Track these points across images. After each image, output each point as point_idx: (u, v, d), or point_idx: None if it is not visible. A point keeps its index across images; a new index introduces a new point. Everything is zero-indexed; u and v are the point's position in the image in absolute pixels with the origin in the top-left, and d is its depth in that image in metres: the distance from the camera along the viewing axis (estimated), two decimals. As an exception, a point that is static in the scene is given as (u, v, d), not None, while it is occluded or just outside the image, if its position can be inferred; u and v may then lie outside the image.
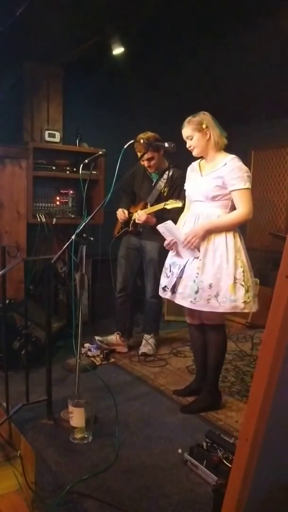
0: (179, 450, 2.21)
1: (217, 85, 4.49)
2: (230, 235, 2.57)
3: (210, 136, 2.61)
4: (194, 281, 2.56)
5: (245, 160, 5.81)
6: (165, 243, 2.73)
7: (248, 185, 2.56)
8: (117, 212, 3.73)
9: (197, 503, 1.90)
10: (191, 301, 2.58)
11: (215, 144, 2.62)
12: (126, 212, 3.70)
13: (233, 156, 2.61)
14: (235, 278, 2.52)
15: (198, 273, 2.56)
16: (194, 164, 2.81)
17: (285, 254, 1.12)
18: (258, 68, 3.98)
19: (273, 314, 1.11)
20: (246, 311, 2.58)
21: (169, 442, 2.37)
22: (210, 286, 2.53)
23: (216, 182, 2.57)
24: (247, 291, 2.53)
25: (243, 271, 2.54)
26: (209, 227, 2.56)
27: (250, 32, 3.46)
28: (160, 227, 2.70)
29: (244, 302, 2.52)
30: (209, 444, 2.12)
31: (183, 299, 2.63)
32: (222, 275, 2.53)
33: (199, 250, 2.58)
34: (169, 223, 2.67)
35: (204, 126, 2.59)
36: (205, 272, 2.56)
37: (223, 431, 2.39)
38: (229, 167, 2.55)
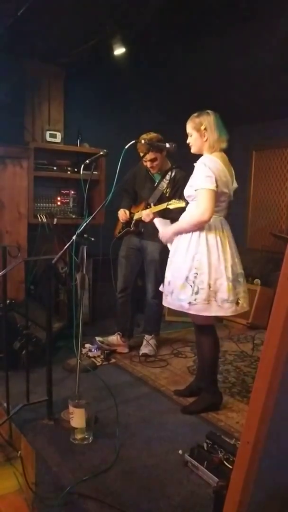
0: (180, 451, 2.21)
1: (218, 85, 4.48)
2: (195, 236, 2.57)
3: (207, 138, 2.61)
4: (167, 278, 2.73)
5: (246, 161, 5.86)
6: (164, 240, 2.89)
7: (207, 185, 2.48)
8: (119, 212, 3.73)
9: (197, 505, 1.90)
10: (165, 299, 2.74)
11: (210, 146, 2.62)
12: (127, 212, 3.70)
13: (204, 156, 2.60)
14: (186, 278, 2.55)
15: (168, 271, 2.73)
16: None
17: (287, 255, 1.12)
18: (259, 68, 3.97)
19: (275, 316, 1.11)
20: (191, 312, 2.56)
21: (170, 443, 2.37)
22: (169, 283, 2.66)
23: (189, 182, 2.63)
24: (196, 293, 2.51)
25: (196, 273, 2.52)
26: (173, 230, 2.72)
27: (251, 32, 3.46)
28: (157, 220, 2.94)
29: (189, 303, 2.52)
30: (209, 445, 2.12)
31: (165, 299, 2.78)
32: (177, 274, 2.60)
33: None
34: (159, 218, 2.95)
35: (202, 127, 2.59)
36: (169, 269, 2.71)
37: (223, 432, 2.39)
38: (196, 166, 2.58)
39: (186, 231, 2.61)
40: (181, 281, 2.56)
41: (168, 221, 2.93)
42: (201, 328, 2.75)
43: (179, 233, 2.67)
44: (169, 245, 2.84)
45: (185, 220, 2.64)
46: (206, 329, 2.74)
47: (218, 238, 2.57)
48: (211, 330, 2.75)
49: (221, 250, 2.56)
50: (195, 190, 2.54)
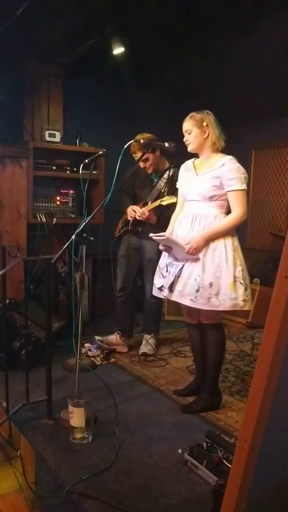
0: (179, 450, 2.21)
1: (218, 85, 4.48)
2: (228, 235, 2.60)
3: (208, 135, 2.62)
4: (196, 280, 2.56)
5: (246, 160, 5.86)
6: (160, 247, 2.77)
7: (244, 186, 2.56)
8: (127, 210, 3.67)
9: (197, 504, 1.90)
10: (191, 299, 2.57)
11: (212, 144, 2.63)
12: (135, 207, 3.62)
13: (230, 157, 2.61)
14: (234, 277, 2.53)
15: (199, 272, 2.57)
16: (189, 163, 2.82)
17: (284, 254, 1.12)
18: (259, 68, 3.97)
19: (272, 314, 1.11)
20: (245, 309, 2.59)
21: (169, 442, 2.37)
22: (211, 284, 2.54)
23: (213, 182, 2.58)
24: (245, 289, 2.56)
25: (241, 270, 2.57)
26: (207, 237, 2.57)
27: (251, 32, 3.46)
28: (154, 237, 2.66)
29: (244, 300, 2.55)
30: (209, 444, 2.12)
31: (182, 297, 2.62)
32: (222, 274, 2.54)
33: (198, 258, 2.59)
34: (167, 236, 2.64)
35: (204, 124, 2.61)
36: (206, 271, 2.56)
37: (223, 431, 2.39)
38: (227, 167, 2.56)
39: (224, 234, 2.58)
40: (229, 280, 2.52)
41: (165, 234, 2.67)
42: (213, 326, 2.71)
43: (214, 238, 2.57)
44: (181, 255, 2.63)
45: (224, 223, 2.58)
46: (218, 326, 2.74)
47: (237, 236, 2.66)
48: (221, 327, 2.78)
49: (240, 247, 2.66)
50: (232, 190, 2.55)
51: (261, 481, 1.23)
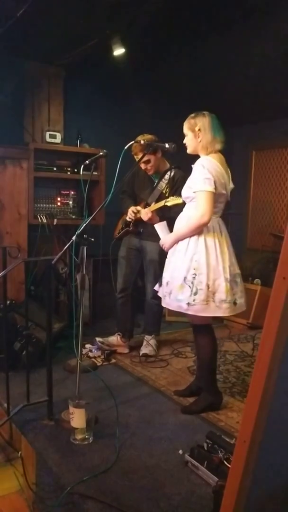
0: (180, 451, 2.21)
1: (219, 86, 4.48)
2: (194, 237, 2.57)
3: (201, 139, 2.61)
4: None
5: (246, 161, 5.87)
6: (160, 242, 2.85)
7: (205, 187, 2.48)
8: (128, 211, 3.66)
9: (197, 504, 1.90)
10: (162, 296, 2.74)
11: (203, 147, 2.62)
12: (137, 207, 3.61)
13: (203, 157, 2.60)
14: (184, 278, 2.54)
15: (164, 271, 2.73)
16: None
17: (282, 255, 1.12)
18: (259, 69, 3.97)
19: (270, 315, 1.11)
20: (189, 313, 2.54)
21: (170, 443, 2.37)
22: (167, 283, 2.66)
23: (188, 183, 2.62)
24: (194, 293, 2.51)
25: (194, 273, 2.52)
26: (175, 236, 2.67)
27: (251, 32, 3.46)
28: (157, 225, 2.87)
29: (188, 303, 2.51)
30: (209, 445, 2.12)
31: (161, 293, 2.79)
32: (176, 275, 2.59)
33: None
34: (164, 223, 2.85)
35: (197, 128, 2.60)
36: (167, 270, 2.70)
37: (223, 432, 2.39)
38: (194, 168, 2.58)
39: (187, 235, 2.59)
40: (179, 282, 2.56)
41: (164, 223, 2.91)
42: (198, 328, 2.74)
43: (179, 239, 2.64)
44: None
45: (184, 224, 2.62)
46: (204, 328, 2.73)
47: (216, 239, 2.58)
48: (208, 329, 2.75)
49: (219, 250, 2.56)
50: (194, 192, 2.54)
51: (260, 482, 1.22)
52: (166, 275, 2.70)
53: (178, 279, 2.57)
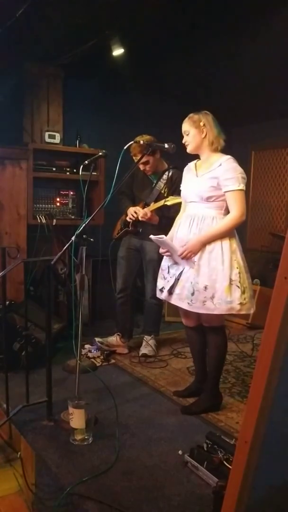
0: (180, 452, 2.21)
1: (218, 86, 4.49)
2: (225, 237, 2.54)
3: (206, 135, 2.60)
4: (191, 283, 2.55)
5: (246, 161, 5.87)
6: (160, 250, 2.75)
7: (242, 186, 2.51)
8: (129, 211, 3.63)
9: (197, 505, 1.90)
10: (188, 303, 2.56)
11: (210, 143, 2.60)
12: (136, 208, 3.58)
13: (228, 156, 2.58)
14: (230, 280, 2.48)
15: (195, 275, 2.55)
16: (191, 165, 2.80)
17: (284, 255, 1.12)
18: (259, 69, 3.97)
19: (272, 315, 1.11)
20: (242, 312, 2.54)
21: (170, 444, 2.37)
22: (206, 288, 2.50)
23: (211, 182, 2.55)
24: (243, 292, 2.50)
25: (239, 272, 2.51)
26: (205, 240, 2.53)
27: (251, 32, 3.46)
28: (154, 238, 2.66)
29: (240, 303, 2.49)
30: (209, 446, 2.12)
31: (180, 300, 2.62)
32: (217, 277, 2.50)
33: (194, 262, 2.56)
34: (164, 238, 2.64)
35: (201, 123, 2.59)
36: (200, 274, 2.53)
37: (223, 432, 2.39)
38: (223, 167, 2.53)
39: (222, 236, 2.53)
40: (225, 283, 2.47)
41: (163, 236, 2.68)
42: (214, 329, 2.68)
43: (212, 241, 2.52)
44: (180, 261, 2.62)
45: (222, 225, 2.52)
46: (220, 329, 2.71)
47: (237, 238, 2.62)
48: (223, 330, 2.74)
49: (241, 249, 2.61)
50: (227, 191, 2.51)
51: (261, 482, 1.22)
52: (200, 279, 2.52)
53: (223, 281, 2.48)
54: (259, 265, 5.04)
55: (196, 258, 2.55)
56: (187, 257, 2.55)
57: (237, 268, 2.51)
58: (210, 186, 2.55)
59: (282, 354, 1.12)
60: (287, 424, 1.26)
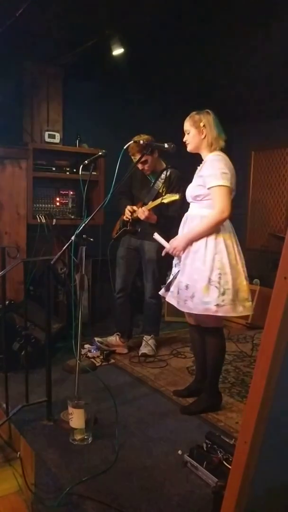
0: (179, 451, 2.21)
1: (218, 86, 4.49)
2: (211, 237, 2.51)
3: (205, 136, 2.59)
4: (178, 282, 2.61)
5: (245, 161, 5.86)
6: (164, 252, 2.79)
7: (222, 182, 2.45)
8: (125, 210, 3.64)
9: (197, 505, 1.90)
10: (177, 301, 2.62)
11: (209, 144, 2.60)
12: (133, 207, 3.60)
13: (216, 153, 2.57)
14: (209, 280, 2.46)
15: (179, 274, 2.60)
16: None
17: (283, 255, 1.12)
18: (259, 69, 3.98)
19: (271, 315, 1.11)
20: (219, 314, 2.48)
21: (169, 443, 2.37)
22: (187, 287, 2.53)
23: (198, 181, 2.57)
24: (222, 294, 2.45)
25: (219, 273, 2.46)
26: (190, 236, 2.56)
27: (251, 32, 3.46)
28: (156, 236, 2.78)
29: (217, 305, 2.44)
30: (209, 445, 2.12)
31: (173, 298, 2.68)
32: (198, 277, 2.50)
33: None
34: (155, 234, 2.75)
35: (201, 124, 2.59)
36: (184, 273, 2.57)
37: (223, 432, 2.39)
38: (207, 164, 2.54)
39: (204, 234, 2.50)
40: (203, 283, 2.46)
41: (161, 238, 2.79)
42: (211, 330, 2.67)
43: (195, 239, 2.53)
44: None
45: (202, 223, 2.52)
46: (217, 331, 2.69)
47: (232, 238, 2.56)
48: (221, 331, 2.72)
49: (236, 249, 2.56)
50: (209, 188, 2.48)
51: (260, 482, 1.22)
52: (184, 278, 2.56)
53: (202, 281, 2.47)
54: (259, 265, 5.04)
55: (182, 256, 2.60)
56: (174, 254, 2.62)
57: (219, 268, 2.47)
58: (197, 185, 2.57)
59: (282, 354, 1.12)
60: (287, 424, 1.26)
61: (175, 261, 2.77)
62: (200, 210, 2.60)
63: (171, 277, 2.74)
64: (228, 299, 2.45)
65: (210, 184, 2.48)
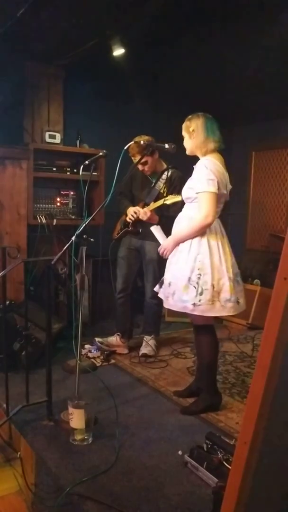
0: (179, 452, 2.21)
1: (218, 86, 4.48)
2: (196, 238, 2.57)
3: (194, 140, 2.64)
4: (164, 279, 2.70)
5: (246, 161, 5.86)
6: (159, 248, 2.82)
7: (208, 188, 2.49)
8: (128, 211, 3.63)
9: (197, 505, 1.90)
10: (164, 298, 2.72)
11: (197, 147, 2.64)
12: (136, 208, 3.58)
13: (205, 158, 2.61)
14: (189, 279, 2.53)
15: (165, 272, 2.71)
16: None
17: (283, 256, 1.12)
18: (259, 69, 3.97)
19: (271, 316, 1.11)
20: (195, 313, 2.55)
21: (169, 444, 2.37)
22: (169, 284, 2.64)
23: (189, 184, 2.63)
24: (200, 293, 2.51)
25: (199, 274, 2.52)
26: (176, 238, 2.66)
27: (251, 32, 3.46)
28: (153, 228, 2.85)
29: (194, 304, 2.51)
30: (209, 446, 2.12)
31: (162, 294, 2.77)
32: (179, 275, 2.58)
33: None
34: (154, 227, 2.84)
35: (191, 129, 2.63)
36: (168, 271, 2.69)
37: (223, 433, 2.39)
38: (196, 169, 2.59)
39: (189, 237, 2.58)
40: (183, 283, 2.54)
41: (158, 227, 2.88)
42: (200, 328, 2.74)
43: (181, 241, 2.62)
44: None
45: (185, 226, 2.61)
46: (206, 329, 2.73)
47: (218, 240, 2.60)
48: (210, 329, 2.75)
49: (222, 251, 2.58)
50: (196, 193, 2.54)
51: (261, 484, 1.22)
52: (168, 276, 2.68)
53: (182, 280, 2.55)
54: (259, 265, 5.04)
55: (170, 255, 2.70)
56: (163, 254, 2.73)
57: (199, 269, 2.53)
58: (188, 187, 2.63)
59: (282, 354, 1.12)
60: (287, 425, 1.26)
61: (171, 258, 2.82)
62: (189, 211, 2.66)
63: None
64: (205, 299, 2.51)
65: (197, 190, 2.55)
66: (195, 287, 2.52)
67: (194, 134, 2.62)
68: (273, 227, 5.63)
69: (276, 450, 1.25)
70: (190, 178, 2.64)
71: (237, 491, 1.17)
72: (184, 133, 2.69)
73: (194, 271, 2.53)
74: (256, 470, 1.17)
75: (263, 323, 1.16)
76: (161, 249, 2.75)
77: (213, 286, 2.52)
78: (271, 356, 1.10)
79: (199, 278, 2.52)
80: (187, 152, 2.72)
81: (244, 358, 3.74)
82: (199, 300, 2.51)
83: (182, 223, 2.66)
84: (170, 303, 2.64)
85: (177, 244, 2.65)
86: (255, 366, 1.20)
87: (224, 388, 3.06)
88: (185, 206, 2.72)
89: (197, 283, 2.51)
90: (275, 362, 1.12)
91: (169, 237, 2.72)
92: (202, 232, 2.56)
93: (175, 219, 2.91)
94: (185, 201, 2.71)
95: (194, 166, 2.63)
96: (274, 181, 5.64)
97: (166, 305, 2.72)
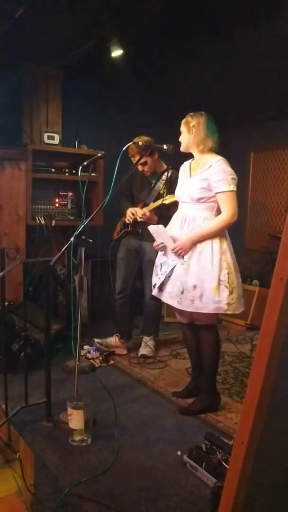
0: (178, 452, 2.21)
1: (217, 87, 4.48)
2: (215, 238, 2.57)
3: (193, 135, 2.64)
4: (181, 282, 2.61)
5: (244, 162, 5.86)
6: (155, 244, 2.77)
7: (232, 187, 2.53)
8: (127, 212, 3.62)
9: (196, 505, 1.90)
10: (178, 301, 2.62)
11: (195, 144, 2.64)
12: (135, 208, 3.58)
13: (219, 158, 2.61)
14: (219, 280, 2.52)
15: (184, 274, 2.61)
16: (186, 164, 2.83)
17: (280, 256, 1.13)
18: (259, 70, 3.97)
19: (268, 316, 1.12)
20: (229, 312, 2.58)
21: (168, 444, 2.37)
22: (195, 287, 2.56)
23: (201, 184, 2.59)
24: (231, 292, 2.54)
25: (228, 273, 2.54)
26: (196, 238, 2.58)
27: (251, 33, 3.46)
28: (151, 228, 2.74)
29: (228, 303, 2.53)
30: (208, 446, 2.12)
31: (171, 298, 2.68)
32: (206, 277, 2.54)
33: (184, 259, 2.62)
34: (161, 226, 2.71)
35: (191, 124, 2.63)
36: (190, 273, 2.59)
37: (222, 433, 2.39)
38: (214, 169, 2.57)
39: (212, 236, 2.57)
40: (213, 283, 2.51)
41: (161, 226, 2.74)
42: (204, 327, 2.72)
43: (200, 241, 2.57)
44: (172, 256, 2.67)
45: (211, 225, 2.56)
46: (210, 328, 2.73)
47: (228, 238, 2.65)
48: (215, 328, 2.77)
49: (232, 249, 2.64)
50: (220, 192, 2.53)
51: (258, 482, 1.23)
52: (189, 279, 2.57)
53: (211, 281, 2.52)
54: (258, 266, 5.04)
55: (186, 256, 2.60)
56: (178, 254, 2.60)
57: (226, 268, 2.55)
58: (201, 187, 2.59)
59: (279, 354, 1.12)
60: (284, 425, 1.26)
61: (161, 260, 2.77)
62: (201, 211, 2.63)
63: (162, 276, 2.72)
64: (236, 297, 2.56)
65: (220, 189, 2.53)
66: (226, 287, 2.53)
67: (193, 130, 2.62)
68: (272, 227, 5.62)
69: (274, 450, 1.26)
70: (200, 178, 2.60)
71: (234, 490, 1.18)
72: (182, 128, 2.68)
73: (222, 270, 2.53)
74: (254, 470, 1.18)
75: (261, 323, 1.16)
76: (175, 248, 2.60)
77: (237, 283, 2.59)
78: (268, 355, 1.11)
79: (228, 277, 2.54)
80: (182, 148, 2.71)
81: (243, 359, 3.74)
82: (232, 299, 2.54)
83: (196, 223, 2.61)
84: (198, 305, 2.55)
85: (194, 244, 2.58)
86: (252, 365, 1.21)
87: (223, 388, 3.07)
88: (191, 206, 2.66)
89: (228, 282, 2.53)
90: (272, 361, 1.12)
91: (185, 237, 2.61)
92: (224, 231, 2.60)
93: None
94: (193, 202, 2.63)
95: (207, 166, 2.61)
96: (272, 182, 5.64)
97: (190, 308, 2.59)
